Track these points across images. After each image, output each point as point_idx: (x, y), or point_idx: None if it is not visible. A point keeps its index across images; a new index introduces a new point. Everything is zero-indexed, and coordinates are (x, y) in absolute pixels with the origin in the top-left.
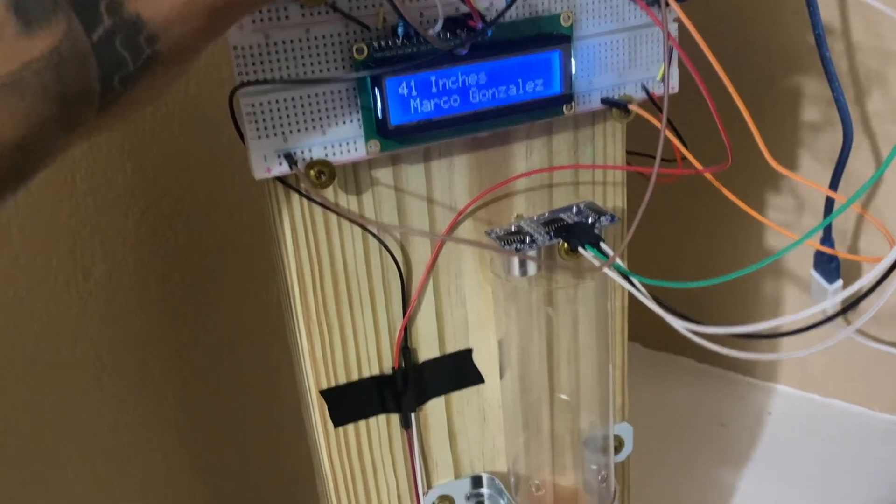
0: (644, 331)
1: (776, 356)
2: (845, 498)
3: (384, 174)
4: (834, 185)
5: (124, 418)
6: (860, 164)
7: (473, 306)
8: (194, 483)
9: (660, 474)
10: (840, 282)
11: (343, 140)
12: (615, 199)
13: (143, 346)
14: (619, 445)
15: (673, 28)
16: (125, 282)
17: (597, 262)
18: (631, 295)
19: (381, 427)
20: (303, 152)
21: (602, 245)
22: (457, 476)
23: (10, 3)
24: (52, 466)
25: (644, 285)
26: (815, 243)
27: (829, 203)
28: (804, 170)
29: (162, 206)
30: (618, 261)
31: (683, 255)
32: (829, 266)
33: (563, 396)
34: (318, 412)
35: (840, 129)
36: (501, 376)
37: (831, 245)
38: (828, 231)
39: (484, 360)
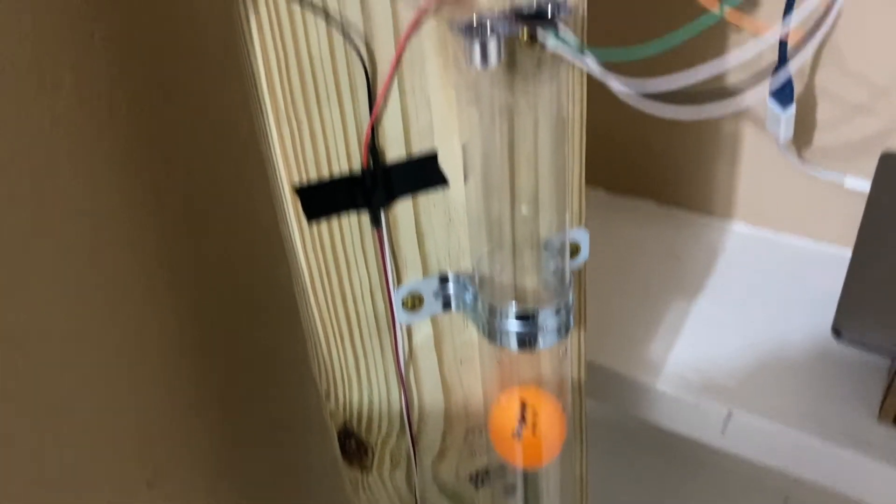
0: (608, 176)
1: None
2: (791, 317)
3: None
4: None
5: (102, 233)
6: None
7: (438, 109)
8: (171, 281)
9: (616, 301)
10: (793, 106)
11: None
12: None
13: (116, 163)
14: (575, 250)
15: None
16: (95, 100)
17: (554, 42)
18: (590, 131)
19: (353, 224)
20: None
21: (561, 28)
22: (425, 274)
23: None
24: (31, 283)
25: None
26: (737, 18)
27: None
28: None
29: (132, 24)
30: (570, 34)
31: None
32: (783, 93)
33: (524, 210)
34: (291, 209)
35: None
36: (465, 180)
37: (787, 74)
38: (783, 55)
39: (448, 164)
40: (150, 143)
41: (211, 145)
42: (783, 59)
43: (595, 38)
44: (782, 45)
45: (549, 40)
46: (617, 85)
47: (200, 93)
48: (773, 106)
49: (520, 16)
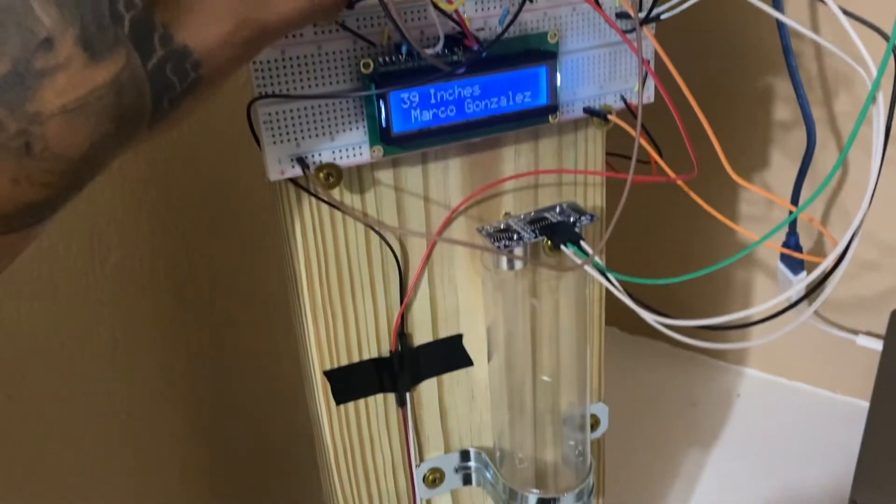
0: (621, 316)
1: (740, 345)
2: (807, 475)
3: (385, 175)
4: (798, 186)
5: (135, 391)
6: (827, 163)
7: (464, 295)
8: (199, 451)
9: (633, 451)
10: (804, 273)
11: (350, 145)
12: (595, 199)
13: (152, 326)
14: (595, 423)
15: (649, 47)
16: (138, 267)
17: (577, 260)
18: None
19: (379, 405)
20: (313, 156)
21: (582, 243)
22: (447, 450)
23: (79, 40)
24: (69, 436)
25: (620, 281)
26: (774, 245)
27: (796, 196)
28: (774, 166)
29: (172, 198)
30: (595, 258)
31: (658, 251)
32: (794, 259)
33: (545, 378)
34: (321, 391)
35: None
36: (489, 359)
37: (796, 240)
38: (793, 226)
39: (473, 344)
40: (185, 303)
41: (240, 301)
42: (794, 230)
43: (618, 241)
44: (794, 198)
45: (573, 255)
46: (640, 310)
47: (235, 256)
48: (784, 270)
49: (544, 227)
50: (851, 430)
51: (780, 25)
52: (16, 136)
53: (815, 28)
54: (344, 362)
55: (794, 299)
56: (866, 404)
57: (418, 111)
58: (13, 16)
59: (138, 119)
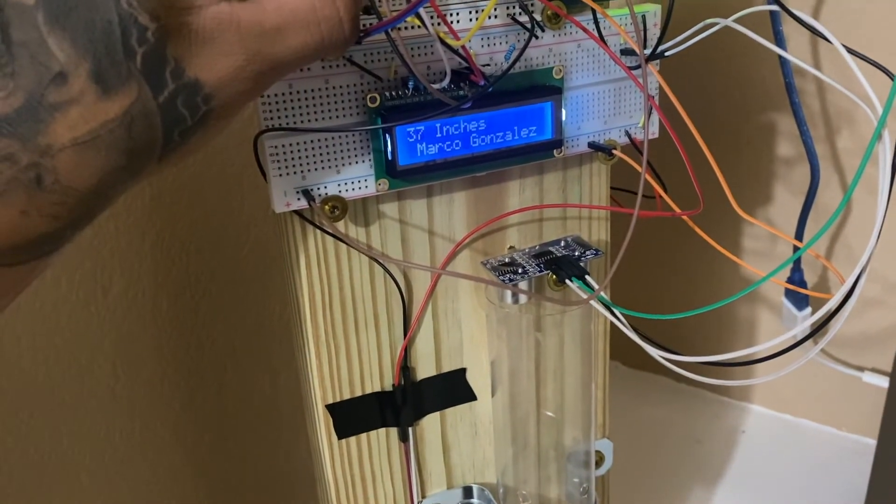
0: (625, 350)
1: (746, 382)
2: None
3: (390, 208)
4: (802, 221)
5: (135, 425)
6: (830, 198)
7: (468, 329)
8: (198, 485)
9: (638, 488)
10: (809, 309)
11: (355, 178)
12: (600, 233)
13: (153, 358)
14: (599, 460)
15: (653, 83)
16: (140, 299)
17: (582, 294)
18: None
19: (381, 439)
20: (319, 189)
21: (587, 278)
22: (449, 486)
23: (91, 74)
24: (68, 470)
25: (625, 316)
26: (780, 281)
27: (800, 232)
28: (778, 201)
29: (176, 229)
30: (601, 293)
31: (663, 285)
32: (798, 294)
33: (549, 413)
34: (323, 425)
35: None
36: (493, 394)
37: (801, 275)
38: (797, 262)
39: (476, 379)
40: (186, 335)
41: (242, 334)
42: (798, 266)
43: (622, 275)
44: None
45: (578, 290)
46: (646, 346)
47: (238, 288)
48: (788, 306)
49: (549, 261)
50: (858, 468)
51: (784, 63)
52: (27, 168)
53: (817, 64)
54: (346, 396)
55: (799, 337)
56: (872, 441)
57: (424, 145)
58: (27, 50)
59: (149, 152)
